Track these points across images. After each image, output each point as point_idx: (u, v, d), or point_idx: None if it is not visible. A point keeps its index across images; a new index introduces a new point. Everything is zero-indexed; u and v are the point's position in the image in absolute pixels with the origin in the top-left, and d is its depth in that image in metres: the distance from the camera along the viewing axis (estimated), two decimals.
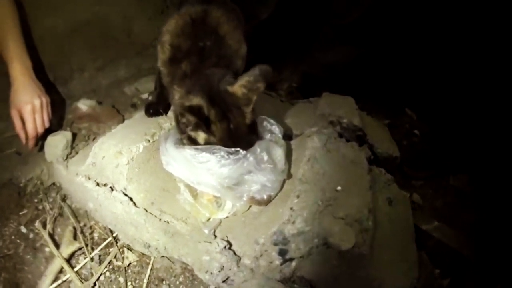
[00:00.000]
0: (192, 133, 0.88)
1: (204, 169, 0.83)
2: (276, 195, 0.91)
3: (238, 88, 0.87)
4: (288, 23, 1.81)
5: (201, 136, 0.87)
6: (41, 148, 1.16)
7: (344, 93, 1.25)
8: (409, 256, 0.97)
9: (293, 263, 0.82)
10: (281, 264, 0.81)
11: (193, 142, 0.89)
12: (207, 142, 0.86)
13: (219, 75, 0.91)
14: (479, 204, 1.33)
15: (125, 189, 0.96)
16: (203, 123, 0.84)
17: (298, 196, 0.86)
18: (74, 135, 1.22)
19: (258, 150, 0.84)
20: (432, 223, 1.20)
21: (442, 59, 1.45)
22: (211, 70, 0.93)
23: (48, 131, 1.16)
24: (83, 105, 1.37)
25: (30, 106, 1.06)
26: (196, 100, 0.85)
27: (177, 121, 0.93)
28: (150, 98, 1.49)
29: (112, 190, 0.97)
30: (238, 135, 0.86)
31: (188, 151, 0.84)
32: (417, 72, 1.57)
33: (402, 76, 1.62)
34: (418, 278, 0.95)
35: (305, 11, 1.83)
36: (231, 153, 0.82)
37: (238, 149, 0.82)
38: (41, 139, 1.15)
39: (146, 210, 0.93)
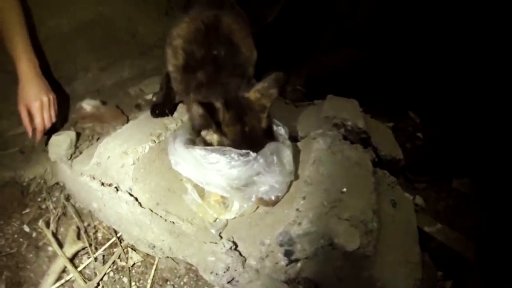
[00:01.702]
0: (208, 137, 0.88)
1: (213, 170, 0.83)
2: (283, 196, 0.92)
3: (252, 93, 0.88)
4: (293, 26, 1.81)
5: (215, 139, 0.87)
6: (47, 142, 1.19)
7: (348, 95, 1.25)
8: (412, 258, 0.97)
9: (299, 264, 0.82)
10: (287, 265, 0.82)
11: (208, 145, 0.88)
12: (220, 145, 0.86)
13: (235, 84, 0.91)
14: (481, 208, 1.33)
15: (131, 189, 0.96)
16: (214, 122, 0.84)
17: (304, 198, 0.86)
18: (78, 135, 1.22)
19: (268, 152, 0.84)
20: (435, 225, 1.20)
21: (446, 62, 1.46)
22: (227, 79, 0.93)
23: (53, 129, 1.19)
24: (87, 105, 1.37)
25: (38, 102, 1.12)
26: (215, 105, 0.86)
27: (193, 126, 0.93)
28: (154, 99, 1.49)
29: (117, 190, 0.97)
30: (252, 138, 0.87)
31: (198, 152, 0.84)
32: (421, 76, 1.58)
33: (406, 79, 1.63)
34: (421, 279, 0.94)
35: (310, 14, 1.83)
36: (241, 155, 0.82)
37: (248, 151, 0.83)
38: (47, 133, 1.20)
39: (152, 211, 0.93)
